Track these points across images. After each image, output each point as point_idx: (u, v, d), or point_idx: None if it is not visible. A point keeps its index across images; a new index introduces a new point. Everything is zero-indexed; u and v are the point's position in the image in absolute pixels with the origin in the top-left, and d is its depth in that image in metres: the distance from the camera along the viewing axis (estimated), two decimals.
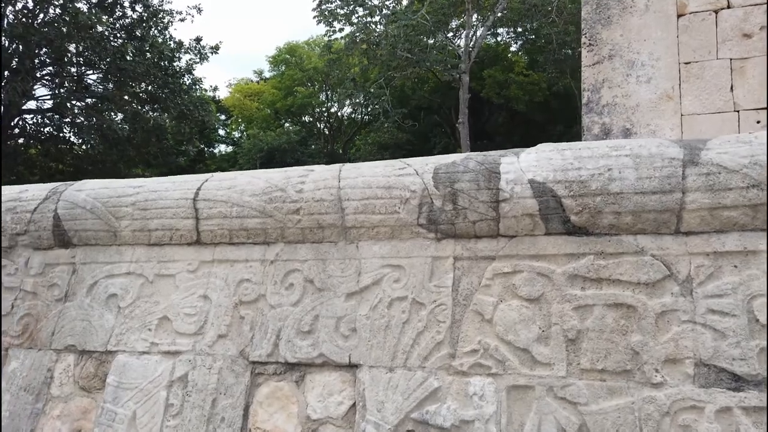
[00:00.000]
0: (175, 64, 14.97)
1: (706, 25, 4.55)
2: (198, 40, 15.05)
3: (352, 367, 2.33)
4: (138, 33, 13.97)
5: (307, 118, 33.08)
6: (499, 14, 21.44)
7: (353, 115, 31.92)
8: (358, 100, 22.38)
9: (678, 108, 4.54)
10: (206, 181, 2.83)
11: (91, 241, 2.98)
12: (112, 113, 15.12)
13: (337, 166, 2.65)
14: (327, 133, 32.59)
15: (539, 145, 2.36)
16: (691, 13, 4.60)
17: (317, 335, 2.41)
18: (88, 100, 14.86)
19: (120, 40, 14.40)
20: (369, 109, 27.62)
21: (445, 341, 2.21)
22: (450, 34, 22.49)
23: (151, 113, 13.90)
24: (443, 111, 26.13)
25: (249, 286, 2.61)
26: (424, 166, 2.44)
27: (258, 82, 36.29)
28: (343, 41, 22.17)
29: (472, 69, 21.07)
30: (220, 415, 2.42)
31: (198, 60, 16.22)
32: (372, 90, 22.04)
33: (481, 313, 2.20)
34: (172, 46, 14.33)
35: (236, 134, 35.15)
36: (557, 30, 21.17)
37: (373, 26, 21.39)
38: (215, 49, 16.56)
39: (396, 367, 2.24)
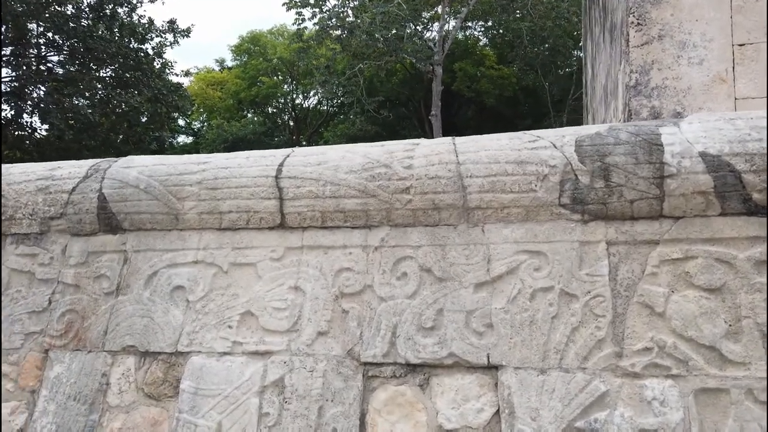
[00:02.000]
0: (146, 46, 14.24)
1: (761, 5, 4.38)
2: (172, 21, 14.33)
3: (491, 368, 2.01)
4: (107, 11, 13.19)
5: (270, 109, 32.39)
6: (472, 6, 21.28)
7: (319, 107, 31.39)
8: (331, 88, 21.88)
9: (732, 91, 4.36)
10: (288, 156, 2.47)
11: (146, 225, 2.58)
12: (78, 97, 14.31)
13: (446, 139, 2.33)
14: (291, 124, 31.95)
15: (695, 115, 2.09)
16: None
17: (443, 332, 2.08)
18: (50, 83, 14.02)
19: (87, 21, 13.61)
20: (340, 99, 27.16)
21: (607, 338, 1.92)
22: (420, 27, 22.21)
23: (122, 97, 13.14)
24: (412, 104, 25.90)
25: (351, 275, 2.26)
26: (561, 138, 2.14)
27: (220, 71, 35.33)
28: (314, 28, 21.64)
29: (443, 62, 20.87)
30: (331, 426, 2.07)
31: (168, 43, 15.50)
32: (345, 78, 21.60)
33: (649, 306, 1.92)
34: (145, 25, 13.59)
35: (197, 124, 34.13)
36: (529, 25, 21.14)
37: (347, 13, 20.95)
38: (187, 32, 15.87)
39: (549, 368, 1.94)
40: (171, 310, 2.43)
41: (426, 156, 2.25)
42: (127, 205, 2.58)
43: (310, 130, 30.80)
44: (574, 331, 1.95)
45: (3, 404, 2.52)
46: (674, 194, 1.95)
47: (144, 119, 13.65)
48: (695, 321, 1.86)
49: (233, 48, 33.49)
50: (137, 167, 2.62)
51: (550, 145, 2.12)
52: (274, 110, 32.41)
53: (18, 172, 2.81)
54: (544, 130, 2.24)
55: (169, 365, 2.36)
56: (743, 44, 4.41)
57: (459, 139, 2.29)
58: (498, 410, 1.96)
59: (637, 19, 4.67)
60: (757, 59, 4.35)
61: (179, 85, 14.99)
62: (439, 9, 21.95)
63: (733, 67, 4.41)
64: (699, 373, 1.82)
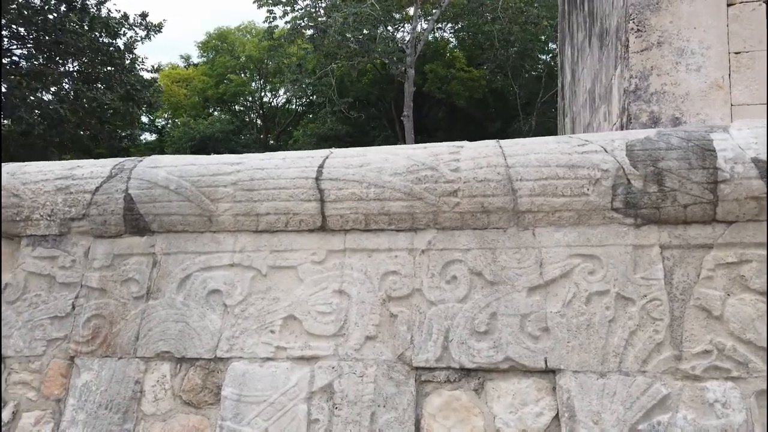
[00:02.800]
0: (117, 40, 13.88)
1: (756, 15, 4.51)
2: (144, 15, 14.00)
3: (548, 372, 2.01)
4: (77, 3, 12.81)
5: (238, 108, 32.00)
6: (444, 8, 21.39)
7: (288, 106, 31.15)
8: (302, 87, 21.72)
9: (728, 98, 4.48)
10: (327, 158, 2.43)
11: (177, 227, 2.51)
12: (44, 91, 13.87)
13: (490, 142, 2.33)
14: (260, 123, 31.62)
15: (740, 121, 2.13)
16: (741, 3, 4.55)
17: (498, 336, 2.08)
18: (16, 77, 13.56)
19: (54, 14, 13.21)
20: (309, 98, 27.00)
21: (666, 341, 1.94)
22: (391, 28, 22.22)
23: (92, 92, 12.76)
24: (382, 104, 25.90)
25: (398, 279, 2.24)
26: (611, 142, 2.16)
27: (186, 67, 34.72)
28: (285, 27, 21.45)
29: (414, 63, 20.95)
30: None
31: (139, 38, 15.15)
32: (316, 77, 21.47)
33: (706, 309, 1.95)
34: (117, 19, 13.23)
35: (160, 122, 33.46)
36: (499, 28, 21.36)
37: (319, 13, 20.83)
38: (158, 27, 15.54)
39: (608, 372, 1.95)
40: (208, 315, 2.36)
41: (473, 159, 2.24)
42: (156, 206, 2.50)
43: (279, 129, 30.53)
44: (632, 334, 1.97)
45: (25, 414, 2.42)
46: (728, 199, 1.99)
47: (114, 116, 13.29)
48: (753, 324, 1.89)
49: (200, 44, 32.92)
50: (166, 167, 2.55)
51: (601, 150, 2.13)
52: (242, 108, 32.04)
53: (34, 170, 2.70)
54: (591, 134, 2.25)
55: (208, 371, 2.29)
56: (739, 52, 4.54)
57: (504, 142, 2.29)
58: (557, 414, 1.96)
59: (637, 26, 4.75)
60: (753, 67, 4.48)
61: (153, 81, 14.65)
62: (411, 10, 22.01)
63: (730, 75, 4.53)
64: (759, 375, 1.85)
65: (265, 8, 21.22)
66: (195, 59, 33.78)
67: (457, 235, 2.24)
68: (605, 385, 1.93)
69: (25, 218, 2.64)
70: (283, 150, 3.10)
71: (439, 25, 24.76)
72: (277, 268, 2.38)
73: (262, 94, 31.25)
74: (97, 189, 2.58)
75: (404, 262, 2.25)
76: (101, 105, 12.53)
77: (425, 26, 22.06)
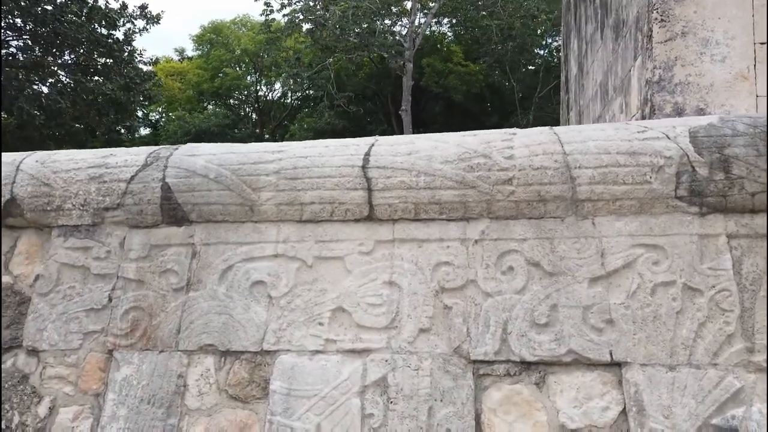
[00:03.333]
0: (116, 32, 13.70)
1: None
2: (143, 7, 13.81)
3: (613, 365, 1.96)
4: None
5: (233, 101, 31.80)
6: (442, 2, 21.29)
7: (283, 100, 30.99)
8: (301, 80, 21.57)
9: (753, 89, 4.44)
10: (373, 145, 2.36)
11: (217, 217, 2.43)
12: (41, 83, 13.69)
13: (543, 129, 2.26)
14: (255, 117, 31.42)
15: None
16: None
17: (559, 328, 2.02)
18: (14, 68, 13.38)
19: (52, 5, 13.02)
20: (307, 92, 26.85)
21: (737, 333, 1.89)
22: (388, 21, 22.09)
23: (92, 84, 12.58)
24: (378, 98, 25.79)
25: (451, 270, 2.17)
26: (672, 129, 2.10)
27: (180, 60, 34.44)
28: (282, 20, 21.28)
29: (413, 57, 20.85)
30: (444, 427, 1.98)
31: (137, 30, 14.97)
32: (314, 71, 21.32)
33: None
34: (116, 10, 13.05)
35: (154, 115, 33.18)
36: (498, 23, 21.27)
37: (317, 6, 20.67)
38: (156, 19, 15.36)
39: (678, 365, 1.89)
40: (252, 307, 2.29)
41: (527, 146, 2.17)
42: (195, 195, 2.43)
43: (274, 123, 30.36)
44: (701, 326, 1.91)
45: (62, 409, 2.34)
46: None
47: (113, 108, 13.12)
48: None
49: (195, 38, 32.64)
50: (204, 155, 2.47)
51: (663, 136, 2.07)
52: (236, 102, 31.84)
53: (65, 159, 2.62)
54: (648, 120, 2.19)
55: (255, 365, 2.22)
56: (764, 42, 4.49)
57: (559, 129, 2.23)
58: (624, 408, 1.90)
59: (661, 16, 4.70)
60: None
61: (153, 73, 14.49)
62: (408, 4, 21.90)
63: (755, 65, 4.48)
64: None
65: (261, 1, 21.06)
66: (189, 52, 33.50)
67: (511, 224, 2.18)
68: (675, 379, 1.88)
69: (56, 208, 2.56)
70: None
71: (436, 19, 24.65)
72: (323, 258, 2.31)
73: (258, 87, 31.05)
74: (132, 178, 2.50)
75: (457, 252, 2.19)
76: (100, 97, 12.36)
77: (423, 20, 21.96)
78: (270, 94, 31.51)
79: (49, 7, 12.84)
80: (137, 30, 14.99)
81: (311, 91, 26.32)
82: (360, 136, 2.66)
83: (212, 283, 2.36)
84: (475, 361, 2.05)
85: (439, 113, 25.80)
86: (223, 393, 2.22)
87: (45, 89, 13.64)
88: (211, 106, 31.28)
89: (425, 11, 22.00)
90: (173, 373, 2.27)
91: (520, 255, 2.13)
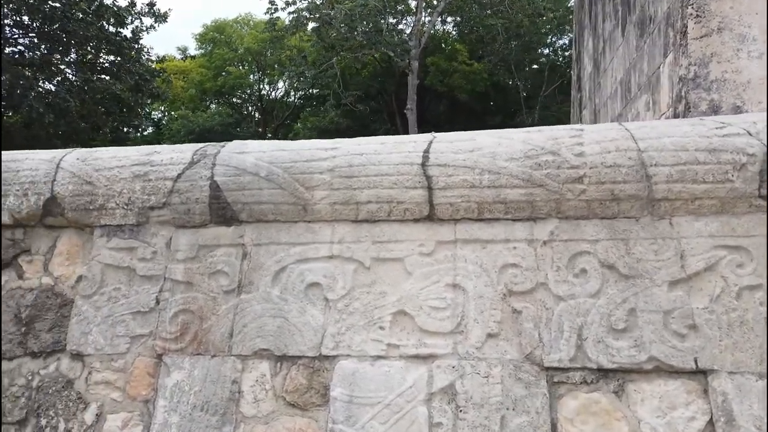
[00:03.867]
0: (124, 30, 13.58)
1: None
2: (151, 4, 13.70)
3: (698, 373, 1.87)
4: None
5: (235, 100, 31.70)
6: (448, 0, 21.18)
7: (286, 98, 30.90)
8: (307, 80, 21.46)
9: None
10: (431, 142, 2.27)
11: (268, 216, 2.34)
12: (46, 81, 13.59)
13: (613, 125, 2.17)
14: (257, 116, 31.31)
15: None
16: None
17: (638, 333, 1.93)
18: (22, 67, 13.28)
19: (60, 2, 12.92)
20: (311, 91, 26.73)
21: None
22: (393, 20, 21.97)
23: (101, 82, 12.47)
24: (382, 97, 25.68)
25: (518, 272, 2.08)
26: (753, 125, 2.01)
27: (183, 59, 34.33)
28: (288, 18, 21.15)
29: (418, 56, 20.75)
30: None
31: (144, 28, 14.86)
32: (321, 70, 21.21)
33: None
34: (125, 7, 12.93)
35: (157, 114, 33.04)
36: (503, 21, 21.16)
37: (324, 4, 20.56)
38: (164, 17, 15.26)
39: None
40: (308, 310, 2.20)
41: (598, 142, 2.08)
42: (246, 194, 2.34)
43: (277, 122, 30.27)
44: None
45: (110, 416, 2.25)
46: None
47: (121, 106, 13.01)
48: None
49: (197, 36, 32.50)
50: (253, 153, 2.38)
51: (744, 132, 1.98)
52: (239, 101, 31.75)
53: (107, 156, 2.53)
54: (724, 116, 2.10)
55: (313, 370, 2.13)
56: None
57: (630, 125, 2.14)
58: (711, 418, 1.81)
59: (696, 11, 4.60)
60: None
61: (162, 71, 14.40)
62: (412, 3, 21.79)
63: None
64: None
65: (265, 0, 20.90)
66: (192, 51, 33.36)
67: (582, 224, 2.09)
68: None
69: (99, 207, 2.47)
70: None
71: (441, 18, 24.52)
72: (381, 260, 2.22)
73: (261, 86, 30.95)
74: (179, 176, 2.41)
75: (524, 254, 2.10)
76: (110, 95, 12.25)
77: (428, 19, 21.85)
78: (273, 93, 31.41)
79: (58, 5, 12.75)
80: (145, 28, 14.89)
81: (314, 90, 26.21)
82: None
83: (265, 285, 2.27)
84: (548, 368, 1.96)
85: (442, 112, 25.71)
86: (280, 400, 2.13)
87: (51, 87, 13.54)
88: (213, 105, 31.19)
89: (429, 10, 21.88)
90: (227, 378, 2.18)
91: (593, 257, 2.04)
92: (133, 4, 13.29)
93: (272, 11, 21.47)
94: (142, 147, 2.59)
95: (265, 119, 30.88)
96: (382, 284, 2.18)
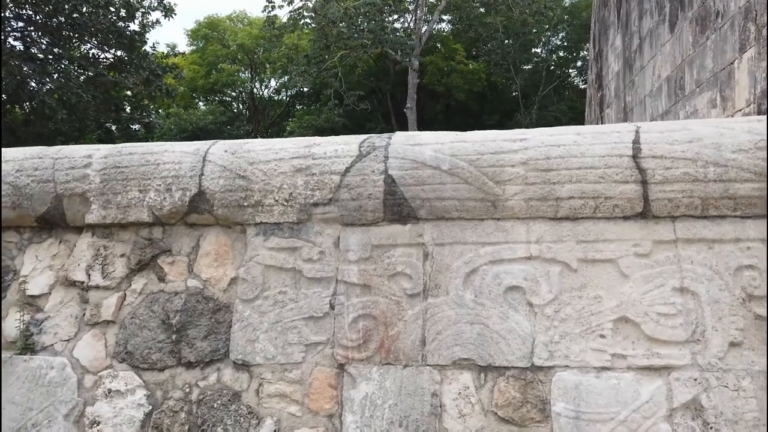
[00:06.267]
0: (133, 23, 13.22)
1: None
2: None
3: None
4: None
5: (226, 98, 31.29)
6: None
7: (278, 97, 30.58)
8: (309, 76, 21.15)
9: None
10: (638, 131, 2.08)
11: (451, 213, 2.14)
12: (50, 77, 13.18)
13: None
14: (248, 114, 30.92)
15: None
16: None
17: None
18: (27, 62, 12.86)
19: None
20: (302, 89, 26.44)
21: None
22: (391, 19, 21.75)
23: (113, 78, 12.10)
24: (377, 96, 25.48)
25: (757, 275, 1.91)
26: None
27: (174, 56, 33.75)
28: (286, 16, 20.85)
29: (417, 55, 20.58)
30: None
31: (151, 23, 14.49)
32: (323, 67, 20.94)
33: None
34: (135, 2, 12.57)
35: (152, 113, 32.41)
36: (503, 20, 21.08)
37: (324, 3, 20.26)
38: (170, 12, 14.89)
39: None
40: (511, 316, 2.00)
41: None
42: (425, 189, 2.13)
43: (268, 120, 29.93)
44: None
45: None
46: None
47: (130, 103, 12.66)
48: None
49: (190, 33, 32.00)
50: (430, 144, 2.17)
51: None
52: (229, 99, 31.35)
53: (261, 149, 2.30)
54: None
55: (526, 382, 1.94)
56: None
57: None
58: None
59: None
60: None
61: (175, 66, 14.05)
62: (419, 1, 21.61)
63: None
64: None
65: None
66: (182, 48, 32.76)
67: None
68: None
69: (254, 203, 2.25)
70: None
71: (439, 17, 24.36)
72: (590, 261, 2.03)
73: (252, 84, 30.57)
74: (347, 170, 2.19)
75: (760, 254, 1.92)
76: (121, 90, 11.89)
77: (429, 17, 21.69)
78: (264, 91, 31.05)
79: None
80: (151, 23, 14.52)
81: (306, 89, 25.94)
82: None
83: (455, 288, 2.07)
84: None
85: (439, 112, 25.58)
86: (489, 415, 1.93)
87: (70, 83, 13.17)
88: (202, 104, 30.75)
89: (425, 8, 21.70)
90: (425, 391, 1.98)
91: None
92: None
93: (270, 9, 21.14)
94: (299, 139, 2.37)
95: (256, 117, 30.50)
96: (594, 288, 1.99)
